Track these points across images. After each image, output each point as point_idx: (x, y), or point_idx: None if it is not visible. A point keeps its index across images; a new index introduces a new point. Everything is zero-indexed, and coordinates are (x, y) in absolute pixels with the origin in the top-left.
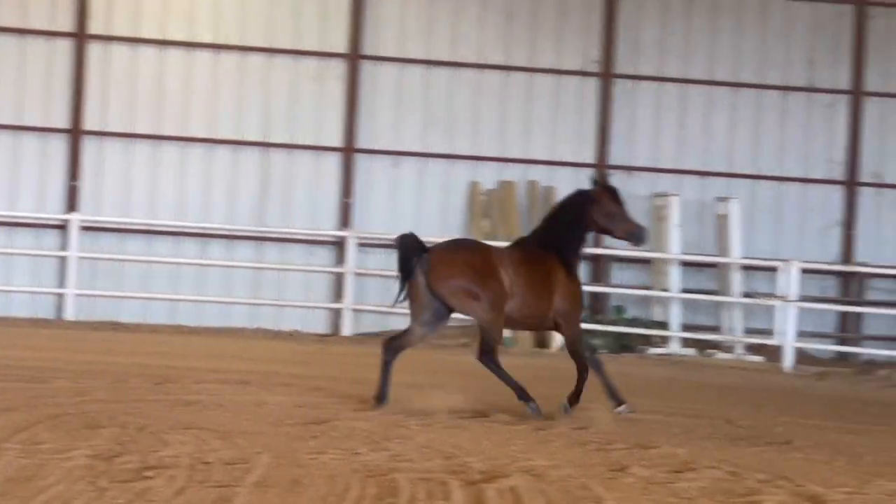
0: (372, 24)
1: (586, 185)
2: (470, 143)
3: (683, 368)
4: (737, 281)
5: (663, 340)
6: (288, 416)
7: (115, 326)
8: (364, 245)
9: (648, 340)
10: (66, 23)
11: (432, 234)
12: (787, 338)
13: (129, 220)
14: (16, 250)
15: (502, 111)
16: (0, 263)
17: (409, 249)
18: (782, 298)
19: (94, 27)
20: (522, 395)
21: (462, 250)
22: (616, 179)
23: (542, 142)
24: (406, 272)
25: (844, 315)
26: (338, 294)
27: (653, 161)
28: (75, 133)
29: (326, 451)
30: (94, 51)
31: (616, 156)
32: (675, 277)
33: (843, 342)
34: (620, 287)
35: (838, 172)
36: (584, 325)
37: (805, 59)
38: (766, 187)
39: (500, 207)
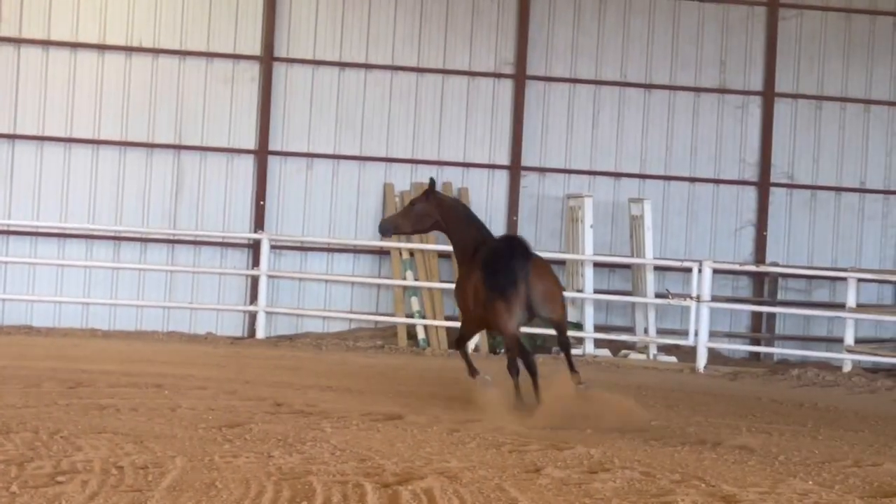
0: (284, 26)
1: (501, 186)
2: (383, 145)
3: (598, 369)
4: (650, 281)
5: (578, 341)
6: (202, 419)
7: (28, 330)
8: (277, 247)
9: None
10: None
11: (347, 236)
12: (700, 338)
13: (41, 224)
14: None
15: (415, 113)
16: None
17: (522, 253)
18: (695, 299)
19: (5, 30)
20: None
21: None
22: (530, 180)
23: (455, 143)
24: (517, 276)
25: (757, 315)
26: (252, 296)
27: (566, 162)
28: None
29: (241, 454)
30: (2, 53)
31: (529, 157)
32: (588, 278)
33: (755, 342)
34: None
35: (750, 173)
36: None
37: (717, 60)
38: (679, 188)
39: None
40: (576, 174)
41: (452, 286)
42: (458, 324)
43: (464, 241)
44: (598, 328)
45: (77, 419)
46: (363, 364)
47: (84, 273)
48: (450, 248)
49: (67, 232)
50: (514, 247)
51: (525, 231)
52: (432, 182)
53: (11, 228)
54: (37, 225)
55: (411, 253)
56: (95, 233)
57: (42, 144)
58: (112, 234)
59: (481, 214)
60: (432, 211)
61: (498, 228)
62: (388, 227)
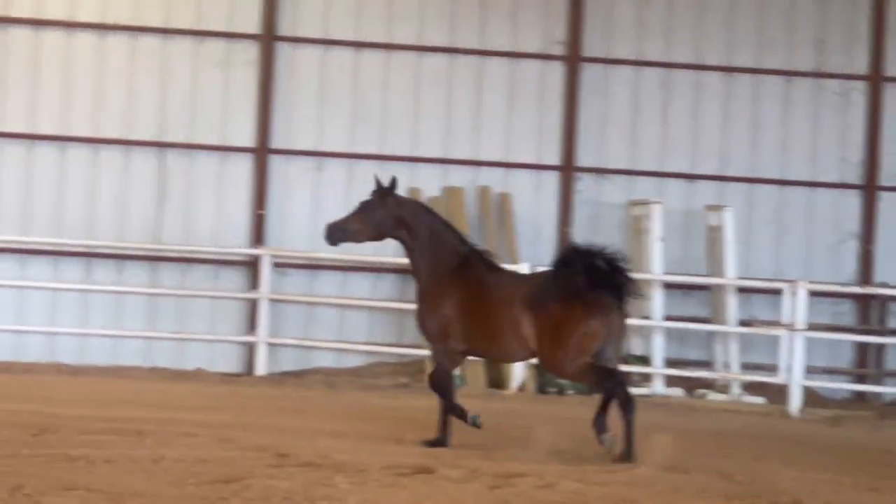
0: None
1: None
2: (408, 142)
3: (669, 412)
4: (732, 306)
5: (644, 378)
6: (191, 473)
7: None
8: (281, 265)
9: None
10: None
11: (365, 251)
12: (793, 375)
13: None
14: None
15: (447, 103)
16: None
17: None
18: (787, 327)
19: None
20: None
21: None
22: (585, 184)
23: (495, 140)
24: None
25: (862, 347)
26: (250, 325)
27: (630, 162)
28: None
29: None
30: None
31: (585, 156)
32: (657, 302)
33: (860, 379)
34: None
35: (854, 175)
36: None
37: (813, 38)
38: (767, 193)
39: (446, 217)
40: (641, 176)
41: None
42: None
43: (441, 253)
44: (669, 363)
45: (42, 472)
46: (384, 406)
47: (50, 296)
48: None
49: (30, 247)
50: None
51: None
52: (394, 180)
53: None
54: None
55: None
56: (63, 248)
57: None
58: (83, 250)
59: (527, 224)
60: (396, 213)
61: (547, 241)
62: (335, 233)
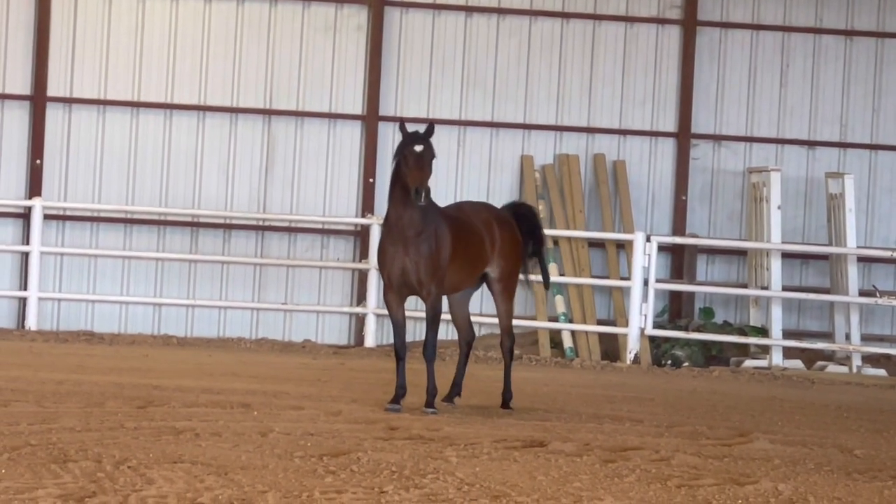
0: None
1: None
2: (520, 109)
3: (787, 385)
4: (853, 276)
5: (762, 350)
6: (298, 446)
7: (88, 337)
8: None
9: (744, 350)
10: None
11: None
12: None
13: (103, 207)
14: None
15: (560, 69)
16: None
17: None
18: None
19: None
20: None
21: None
22: (702, 151)
23: (609, 106)
24: None
25: None
26: (360, 295)
27: (747, 128)
28: (37, 100)
29: (346, 489)
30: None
31: (701, 122)
32: (776, 272)
33: None
34: (708, 284)
35: None
36: (663, 332)
37: None
38: (889, 160)
39: (559, 187)
40: (759, 143)
41: (608, 282)
42: (613, 329)
43: None
44: (787, 334)
45: (148, 446)
46: (496, 378)
47: (155, 267)
48: (602, 234)
49: (135, 217)
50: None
51: (697, 214)
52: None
53: (68, 213)
54: (98, 209)
55: (555, 241)
56: (168, 218)
57: (104, 110)
58: (189, 220)
59: (642, 192)
60: None
61: (664, 210)
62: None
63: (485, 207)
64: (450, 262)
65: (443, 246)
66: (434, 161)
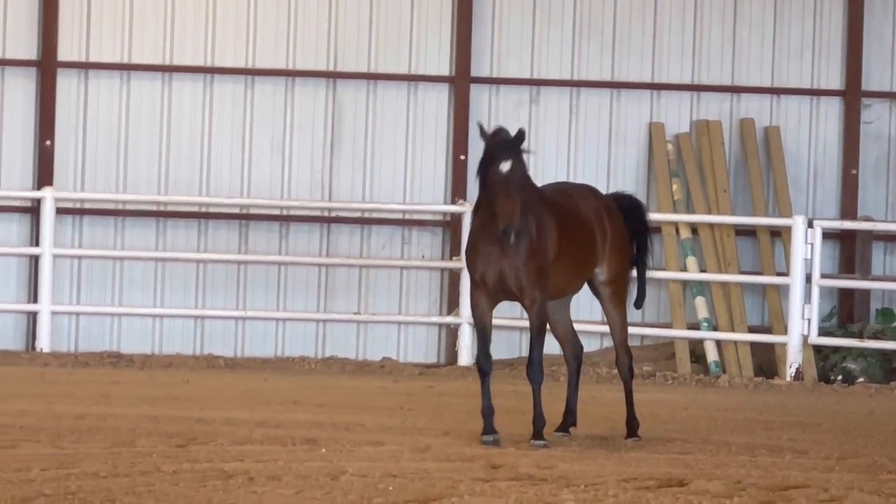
0: None
1: (830, 122)
2: (647, 65)
3: None
4: None
5: None
6: (377, 491)
7: (115, 359)
8: None
9: None
10: None
11: None
12: None
13: (130, 198)
14: None
15: (695, 15)
16: None
17: None
18: None
19: None
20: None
21: None
22: (877, 111)
23: (757, 59)
24: None
25: None
26: (451, 302)
27: None
28: (45, 66)
29: None
30: None
31: (874, 77)
32: None
33: None
34: (887, 280)
35: None
36: (831, 340)
37: None
38: None
39: (697, 161)
40: None
41: (761, 279)
42: (769, 337)
43: None
44: None
45: (190, 494)
46: (621, 401)
47: (195, 271)
48: (753, 219)
49: (169, 209)
50: None
51: (871, 192)
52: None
53: (86, 206)
54: (123, 199)
55: (694, 229)
56: (211, 210)
57: (128, 77)
58: (236, 212)
59: (801, 163)
60: None
61: (829, 188)
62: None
63: (591, 193)
64: (555, 261)
65: (547, 243)
66: (525, 178)
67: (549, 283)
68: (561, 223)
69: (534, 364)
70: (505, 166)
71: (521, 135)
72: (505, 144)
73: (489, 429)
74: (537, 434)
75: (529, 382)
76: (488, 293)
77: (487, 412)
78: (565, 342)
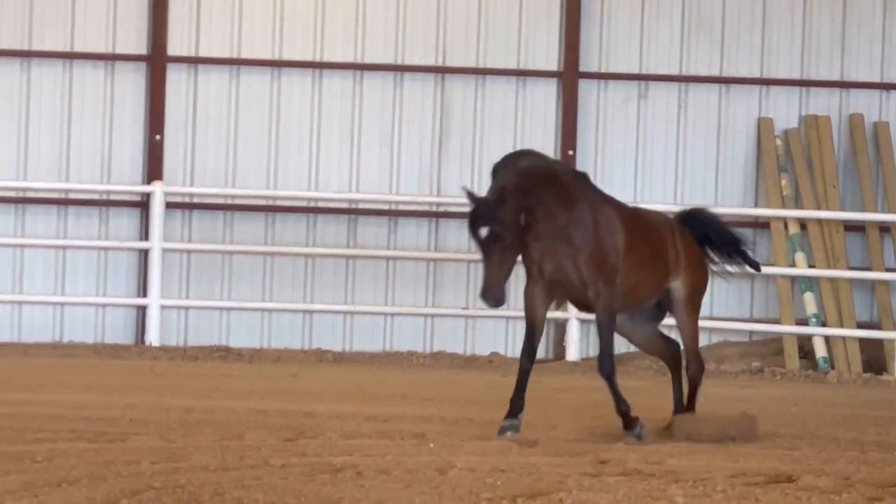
0: None
1: None
2: (756, 59)
3: None
4: None
5: None
6: (486, 486)
7: (223, 353)
8: None
9: None
10: None
11: (701, 197)
12: None
13: (239, 192)
14: (71, 241)
15: (804, 8)
16: (20, 258)
17: None
18: None
19: None
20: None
21: None
22: None
23: (866, 53)
24: None
25: None
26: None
27: None
28: (155, 61)
29: None
30: None
31: None
32: None
33: None
34: None
35: None
36: None
37: None
38: None
39: (806, 156)
40: None
41: (870, 275)
42: (878, 333)
43: None
44: None
45: (299, 487)
46: (731, 397)
47: (304, 265)
48: (862, 215)
49: (278, 204)
50: None
51: None
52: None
53: (195, 200)
54: (233, 194)
55: (803, 224)
56: (320, 205)
57: (237, 72)
58: (345, 206)
59: None
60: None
61: None
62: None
63: (659, 213)
64: (625, 255)
65: (607, 231)
66: (507, 239)
67: (619, 279)
68: (626, 219)
69: (605, 359)
70: (483, 231)
71: (501, 195)
72: (480, 208)
73: (512, 414)
74: (628, 424)
75: (603, 378)
76: (543, 286)
77: (518, 403)
78: (661, 353)
